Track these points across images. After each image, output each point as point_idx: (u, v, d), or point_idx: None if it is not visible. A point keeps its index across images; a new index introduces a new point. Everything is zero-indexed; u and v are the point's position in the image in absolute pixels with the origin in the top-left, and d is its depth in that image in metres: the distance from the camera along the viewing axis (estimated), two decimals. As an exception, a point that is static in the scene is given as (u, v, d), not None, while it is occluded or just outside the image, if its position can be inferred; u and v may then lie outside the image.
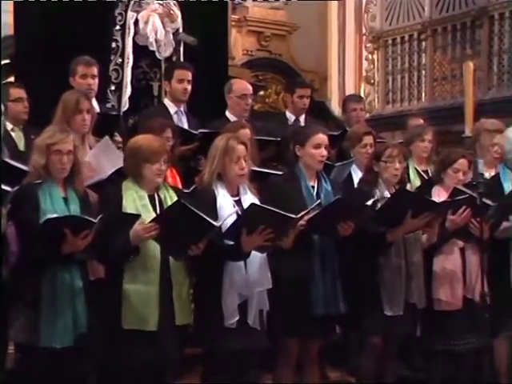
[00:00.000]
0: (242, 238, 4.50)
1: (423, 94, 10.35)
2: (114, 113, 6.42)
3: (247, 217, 4.53)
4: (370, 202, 5.05)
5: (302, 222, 4.73)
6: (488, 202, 5.19)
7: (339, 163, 5.87)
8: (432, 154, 6.37)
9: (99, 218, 4.26)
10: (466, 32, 9.84)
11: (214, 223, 4.39)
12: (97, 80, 6.11)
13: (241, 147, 4.73)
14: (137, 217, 4.38)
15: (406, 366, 6.02)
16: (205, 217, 4.34)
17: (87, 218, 4.28)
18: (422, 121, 7.27)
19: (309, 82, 8.90)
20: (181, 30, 7.12)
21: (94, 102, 5.91)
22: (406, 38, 10.54)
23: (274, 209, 4.51)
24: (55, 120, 5.22)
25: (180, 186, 5.22)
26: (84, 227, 4.26)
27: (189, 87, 6.40)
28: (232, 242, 4.54)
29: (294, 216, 4.59)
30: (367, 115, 9.14)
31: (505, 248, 5.50)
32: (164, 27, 7.04)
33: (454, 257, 5.32)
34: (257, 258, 4.66)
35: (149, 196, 4.59)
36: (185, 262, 4.58)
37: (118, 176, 4.78)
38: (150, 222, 4.38)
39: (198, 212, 4.34)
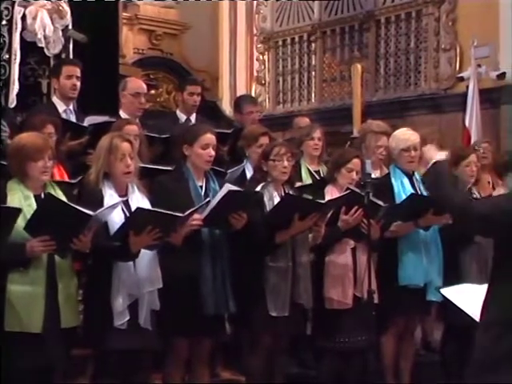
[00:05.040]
0: (130, 239, 4.47)
1: (313, 95, 10.51)
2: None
3: (133, 220, 4.51)
4: (258, 188, 5.11)
5: (197, 222, 4.74)
6: (379, 202, 5.30)
7: (231, 169, 5.89)
8: (323, 154, 6.44)
9: None
10: (354, 35, 10.06)
11: (89, 212, 4.30)
12: None
13: (125, 144, 4.68)
14: (18, 211, 4.28)
15: (296, 363, 6.08)
16: (77, 207, 4.28)
17: None
18: (307, 119, 7.34)
19: (200, 81, 8.90)
20: (70, 27, 7.00)
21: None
22: (296, 39, 10.68)
23: (159, 210, 4.51)
24: None
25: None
26: None
27: (78, 83, 6.30)
28: (120, 243, 4.50)
29: (180, 215, 4.59)
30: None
31: (394, 247, 5.63)
32: (53, 23, 6.89)
33: (346, 256, 5.37)
34: (146, 257, 4.63)
35: (35, 196, 4.49)
36: (71, 262, 4.51)
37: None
38: (29, 219, 4.29)
39: (69, 203, 4.30)
